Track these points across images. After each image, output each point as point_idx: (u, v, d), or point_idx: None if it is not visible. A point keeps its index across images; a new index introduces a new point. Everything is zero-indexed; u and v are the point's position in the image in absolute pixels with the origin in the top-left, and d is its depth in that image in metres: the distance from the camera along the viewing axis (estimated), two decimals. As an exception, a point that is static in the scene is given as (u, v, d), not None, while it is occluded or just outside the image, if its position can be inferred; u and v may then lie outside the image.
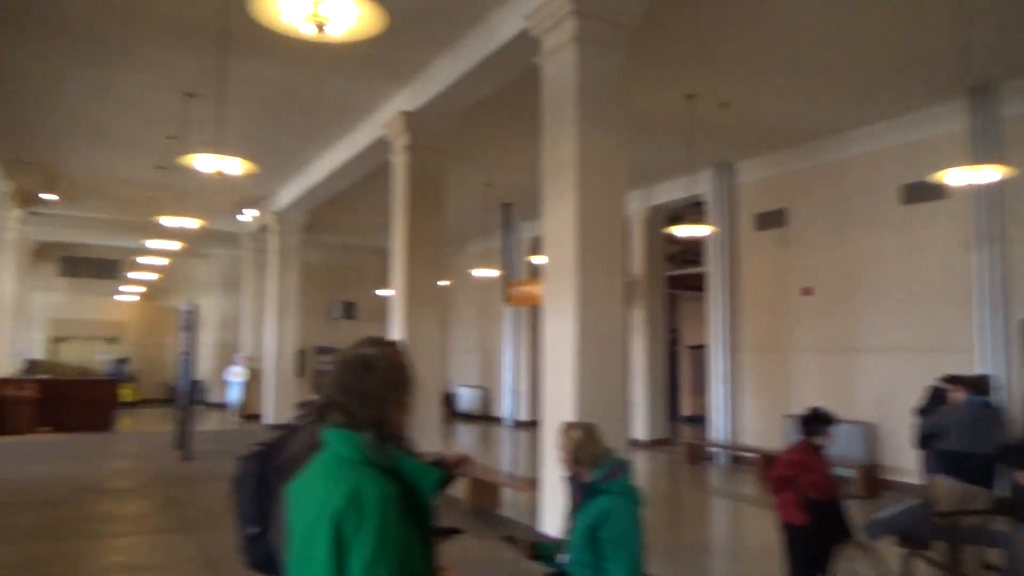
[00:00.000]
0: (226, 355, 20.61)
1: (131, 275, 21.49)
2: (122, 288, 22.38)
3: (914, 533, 5.11)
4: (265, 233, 17.15)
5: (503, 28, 6.87)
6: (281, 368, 16.34)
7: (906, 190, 9.77)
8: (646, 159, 11.28)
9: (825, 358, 10.76)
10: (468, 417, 19.58)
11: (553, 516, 6.17)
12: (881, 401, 9.93)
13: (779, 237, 11.49)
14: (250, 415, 18.07)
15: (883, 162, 10.08)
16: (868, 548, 5.06)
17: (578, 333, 5.91)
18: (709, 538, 8.04)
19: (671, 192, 13.30)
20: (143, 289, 22.43)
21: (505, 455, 13.97)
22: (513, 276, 16.47)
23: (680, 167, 11.84)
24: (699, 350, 20.19)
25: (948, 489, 5.58)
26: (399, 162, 9.39)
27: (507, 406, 18.24)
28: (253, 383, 18.36)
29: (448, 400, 20.22)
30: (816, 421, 4.64)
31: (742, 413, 12.03)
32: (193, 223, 10.84)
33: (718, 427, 12.23)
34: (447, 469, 2.04)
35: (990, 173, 7.22)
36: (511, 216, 15.84)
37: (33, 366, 19.58)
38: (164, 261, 19.90)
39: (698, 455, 12.42)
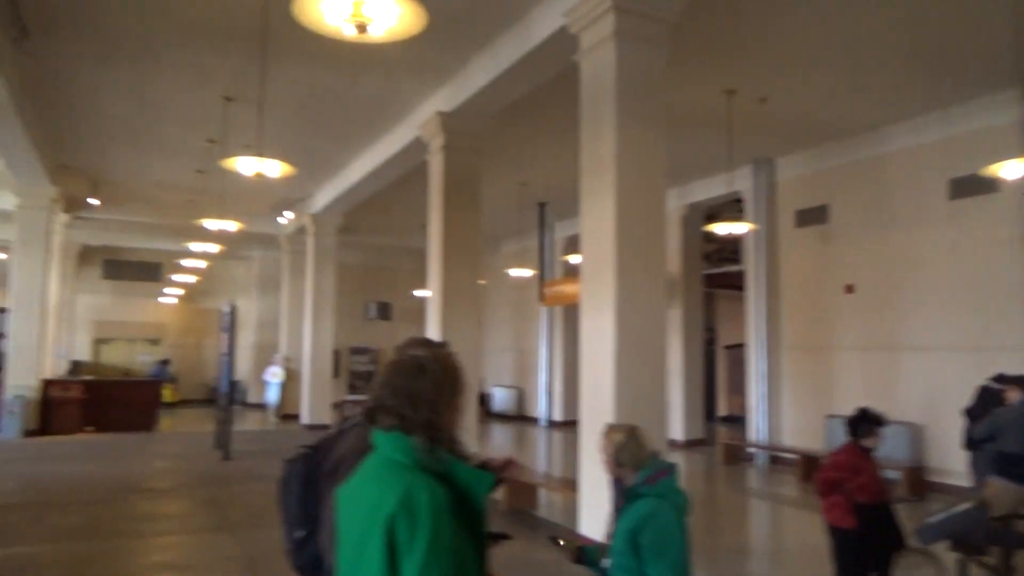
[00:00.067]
0: (264, 356, 20.86)
1: (172, 277, 21.89)
2: (163, 290, 22.80)
3: (969, 538, 4.94)
4: (302, 235, 17.33)
5: (540, 26, 6.82)
6: (317, 369, 16.49)
7: (954, 184, 9.50)
8: (682, 156, 11.14)
9: (868, 357, 10.52)
10: (503, 417, 19.57)
11: (593, 518, 6.11)
12: (927, 401, 9.68)
13: (820, 234, 11.26)
14: (287, 415, 18.27)
15: (928, 156, 9.81)
16: (929, 555, 4.89)
17: (617, 333, 5.84)
18: (749, 541, 7.89)
19: (708, 189, 13.12)
20: (183, 291, 22.82)
21: (541, 455, 13.92)
22: (548, 275, 16.41)
23: (717, 164, 11.67)
24: (736, 349, 19.95)
25: (1003, 491, 5.40)
26: (435, 162, 9.40)
27: (542, 406, 18.19)
28: (290, 383, 18.56)
29: (483, 400, 20.25)
30: (865, 422, 4.52)
31: (781, 413, 11.82)
32: (232, 225, 10.98)
33: (757, 427, 12.03)
34: (494, 473, 1.99)
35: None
36: (546, 215, 15.77)
37: (77, 367, 20.03)
38: (203, 264, 20.23)
39: (736, 456, 12.24)
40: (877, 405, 4.95)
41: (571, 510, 7.23)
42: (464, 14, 7.07)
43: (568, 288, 14.44)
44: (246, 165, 7.31)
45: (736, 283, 17.00)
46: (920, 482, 9.45)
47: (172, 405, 20.73)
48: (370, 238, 19.83)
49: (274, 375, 18.89)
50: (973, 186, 9.16)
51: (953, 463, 8.86)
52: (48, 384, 14.80)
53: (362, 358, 23.16)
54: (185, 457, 12.29)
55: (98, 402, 15.23)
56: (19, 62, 8.33)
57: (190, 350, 23.51)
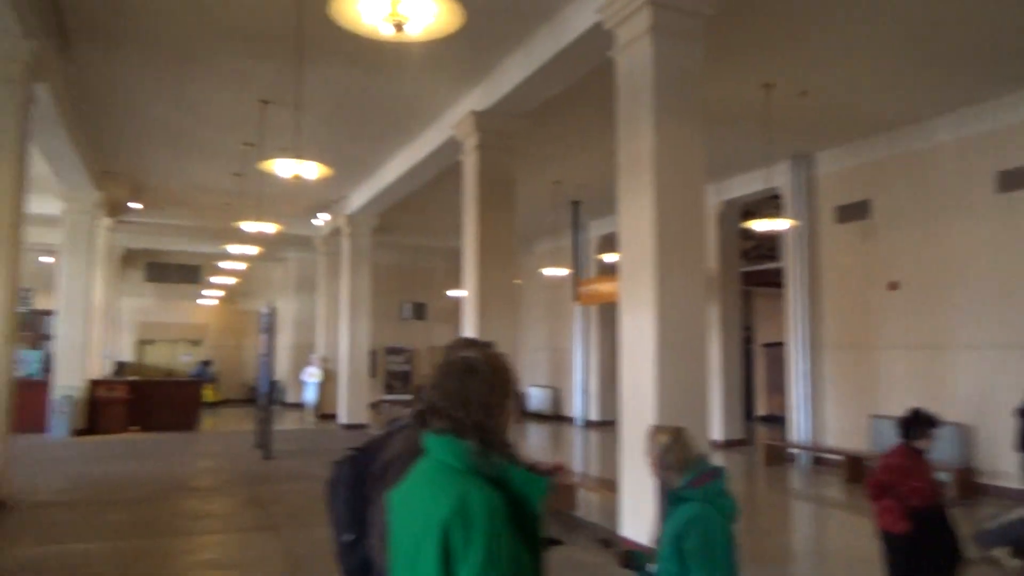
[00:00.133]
0: (301, 356, 21.12)
1: (212, 280, 22.27)
2: (204, 292, 23.22)
3: (1030, 543, 4.77)
4: (338, 236, 17.48)
5: (575, 23, 6.77)
6: (354, 369, 16.62)
7: (1002, 177, 9.22)
8: (719, 152, 10.98)
9: (913, 355, 10.26)
10: (538, 417, 19.53)
11: (635, 520, 6.05)
12: (976, 401, 9.41)
13: (862, 230, 11.02)
14: (325, 415, 18.46)
15: (975, 148, 9.54)
16: (995, 562, 4.70)
17: (657, 332, 5.76)
18: (793, 544, 7.74)
19: (745, 186, 12.93)
20: (222, 293, 23.21)
21: (577, 455, 13.86)
22: (582, 274, 16.34)
23: (755, 159, 11.50)
24: (774, 347, 19.64)
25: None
26: (469, 162, 9.41)
27: (577, 406, 18.11)
28: (327, 383, 18.76)
29: (519, 400, 20.23)
30: (918, 423, 4.39)
31: (824, 413, 11.60)
32: (270, 228, 11.11)
33: (798, 427, 11.82)
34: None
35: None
36: (579, 214, 15.70)
37: (122, 368, 20.48)
38: (242, 266, 20.53)
39: (777, 456, 12.04)
40: (924, 405, 4.81)
41: (610, 511, 7.17)
42: (498, 12, 7.05)
43: (603, 287, 14.34)
44: (284, 167, 7.38)
45: (774, 280, 16.74)
46: (970, 484, 9.20)
47: (213, 405, 21.09)
48: (405, 238, 19.94)
49: (311, 375, 19.10)
50: (1022, 178, 8.88)
51: (1004, 465, 8.61)
52: (95, 385, 15.15)
53: (398, 358, 23.31)
54: (227, 456, 12.48)
55: (142, 402, 15.55)
56: (63, 70, 8.53)
57: (230, 351, 23.90)
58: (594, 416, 17.72)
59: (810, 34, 7.46)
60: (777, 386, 19.78)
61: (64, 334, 14.26)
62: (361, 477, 2.09)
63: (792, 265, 11.99)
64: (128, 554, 6.35)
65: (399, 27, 3.85)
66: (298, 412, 19.78)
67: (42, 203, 13.14)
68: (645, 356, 5.87)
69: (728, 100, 9.03)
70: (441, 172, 11.84)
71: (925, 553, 4.25)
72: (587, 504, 8.28)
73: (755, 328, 19.95)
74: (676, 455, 3.02)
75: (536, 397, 20.18)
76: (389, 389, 22.61)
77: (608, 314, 17.82)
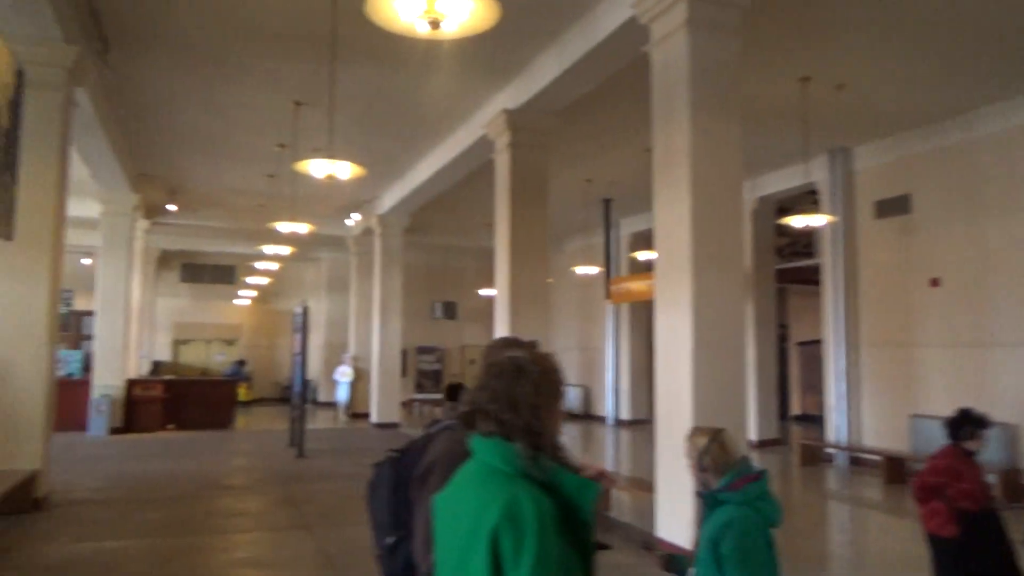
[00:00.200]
0: (333, 356, 21.28)
1: (246, 280, 22.54)
2: (238, 293, 23.51)
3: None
4: (369, 236, 17.57)
5: (608, 18, 6.70)
6: (386, 368, 16.69)
7: (1049, 170, 8.94)
8: (753, 147, 10.79)
9: (955, 353, 9.99)
10: (569, 416, 19.45)
11: (671, 522, 5.96)
12: (1022, 400, 9.14)
13: (902, 225, 10.76)
14: (357, 414, 18.58)
15: (1019, 141, 9.25)
16: None
17: (694, 331, 5.67)
18: (832, 546, 7.57)
19: (780, 182, 12.71)
20: (256, 293, 23.48)
21: (608, 455, 13.75)
22: (614, 273, 16.22)
23: (790, 155, 11.30)
24: (809, 346, 19.33)
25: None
26: (501, 161, 9.37)
27: (608, 405, 17.99)
28: (359, 382, 18.87)
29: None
30: (968, 423, 4.25)
31: (861, 412, 11.36)
32: (303, 228, 11.19)
33: (835, 427, 11.59)
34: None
35: None
36: (611, 212, 15.59)
37: (158, 367, 20.82)
38: (275, 266, 20.74)
39: (813, 456, 11.82)
40: (966, 404, 4.66)
41: (642, 511, 7.09)
42: (531, 9, 7.00)
43: (635, 285, 14.23)
44: (318, 167, 7.41)
45: (809, 277, 16.47)
46: (1016, 486, 8.94)
47: (247, 404, 21.34)
48: (435, 238, 19.99)
49: (344, 374, 19.23)
50: (1072, 171, 8.61)
51: (1053, 466, 8.35)
52: (132, 384, 15.41)
53: (428, 357, 23.39)
54: (261, 455, 12.59)
55: (178, 401, 15.79)
56: (102, 75, 8.66)
57: (263, 350, 24.18)
58: (625, 415, 17.59)
59: (847, 26, 7.29)
60: (812, 385, 19.48)
61: (103, 334, 14.53)
62: (402, 479, 2.06)
63: (829, 261, 11.76)
64: (163, 552, 6.41)
65: (435, 24, 3.81)
66: (330, 411, 19.92)
67: (81, 206, 13.40)
68: (681, 355, 5.78)
69: (763, 94, 8.87)
70: (472, 171, 11.83)
71: (975, 558, 4.11)
72: (620, 504, 8.19)
73: (789, 326, 19.65)
74: (714, 457, 2.94)
75: (567, 396, 20.09)
76: (419, 388, 22.71)
77: (639, 312, 17.70)
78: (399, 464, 2.09)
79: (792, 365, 20.02)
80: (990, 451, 8.91)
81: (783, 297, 17.84)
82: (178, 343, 23.49)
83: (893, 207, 10.89)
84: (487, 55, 8.09)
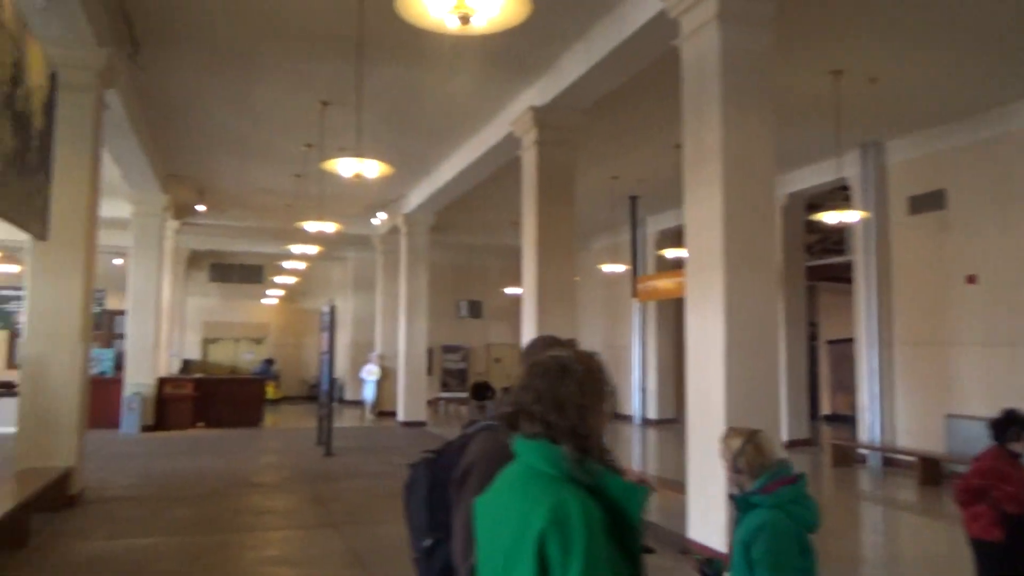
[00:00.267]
0: (359, 354, 21.37)
1: (274, 279, 22.73)
2: (266, 292, 23.72)
3: None
4: (395, 235, 17.63)
5: (637, 12, 6.61)
6: (412, 367, 16.73)
7: (1092, 163, 8.69)
8: (783, 143, 10.52)
9: (992, 352, 9.75)
10: (596, 415, 19.33)
11: (702, 523, 5.88)
12: (1064, 400, 8.90)
13: (937, 221, 10.53)
14: (383, 412, 18.65)
15: (1061, 133, 9.02)
16: None
17: (726, 330, 5.58)
18: (866, 549, 7.42)
19: (810, 178, 12.50)
20: (283, 292, 23.66)
21: (636, 455, 13.65)
22: (640, 271, 16.11)
23: (820, 150, 11.10)
24: (839, 344, 19.04)
25: None
26: (528, 158, 9.32)
27: (635, 404, 17.87)
28: (385, 381, 18.94)
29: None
30: (1013, 424, 4.12)
31: (895, 412, 11.14)
32: (331, 227, 11.25)
33: (868, 427, 11.38)
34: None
35: None
36: (637, 209, 15.47)
37: (188, 366, 21.07)
38: (303, 265, 20.89)
39: (845, 457, 11.63)
40: (1003, 404, 4.52)
41: (670, 511, 7.00)
42: (559, 5, 6.94)
43: (662, 283, 14.11)
44: (346, 166, 7.43)
45: (839, 275, 16.23)
46: (1058, 488, 8.69)
47: (274, 402, 21.52)
48: (460, 236, 20.00)
49: (370, 373, 19.31)
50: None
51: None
52: (163, 382, 15.60)
53: (454, 356, 23.43)
54: (289, 453, 12.67)
55: (208, 399, 15.95)
56: (132, 76, 8.75)
57: (290, 349, 24.37)
58: (652, 414, 17.46)
59: (881, 17, 7.13)
60: (842, 384, 19.20)
61: (134, 333, 14.73)
62: (438, 480, 2.03)
63: (862, 258, 11.55)
64: (194, 550, 6.46)
65: (465, 20, 3.78)
66: (357, 409, 20.02)
67: (113, 207, 13.58)
68: (713, 354, 5.70)
69: (794, 88, 8.72)
70: (497, 170, 11.80)
71: (1021, 562, 3.99)
72: (651, 506, 8.11)
73: (819, 324, 19.38)
74: (749, 459, 2.87)
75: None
76: (445, 387, 22.75)
77: (666, 311, 17.56)
78: (435, 465, 2.05)
79: (822, 364, 19.74)
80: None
81: (812, 295, 17.59)
82: (207, 342, 23.76)
83: (927, 203, 10.66)
84: (514, 52, 8.04)
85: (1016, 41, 7.59)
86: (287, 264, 20.88)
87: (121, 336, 17.17)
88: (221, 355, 23.87)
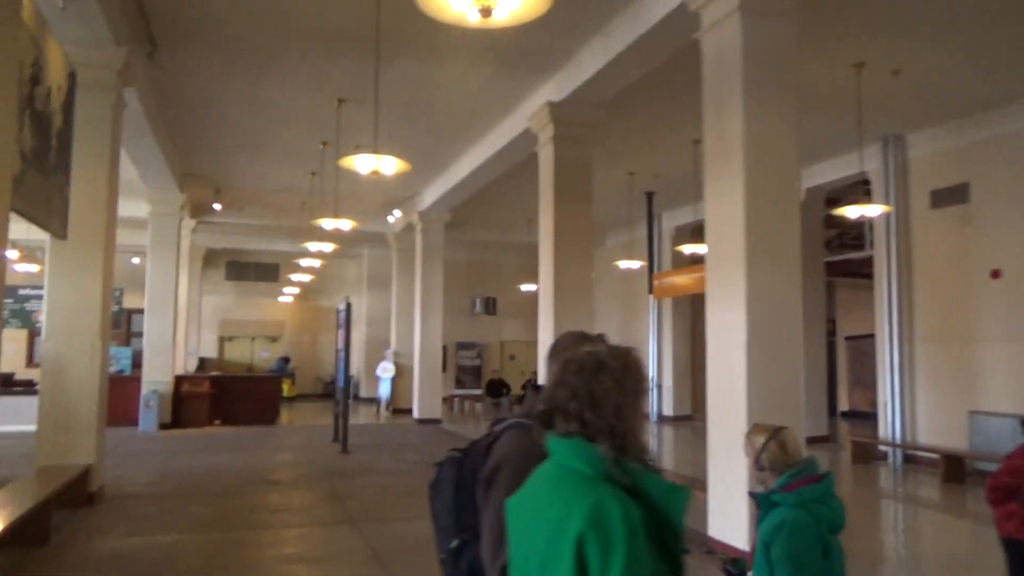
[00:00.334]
0: (374, 352, 21.41)
1: (289, 277, 22.81)
2: (281, 290, 23.80)
3: None
4: (410, 232, 17.62)
5: (657, 5, 6.52)
6: (428, 364, 16.72)
7: (1120, 155, 8.52)
8: (803, 136, 10.48)
9: (1017, 348, 9.60)
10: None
11: (722, 522, 5.81)
12: (1091, 397, 8.75)
13: (960, 215, 10.37)
14: (398, 409, 18.67)
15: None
16: None
17: (748, 326, 5.51)
18: (887, 548, 7.32)
19: (829, 172, 12.35)
20: (298, 290, 23.74)
21: (652, 452, 13.56)
22: (656, 267, 16.02)
23: (840, 144, 10.97)
24: (858, 340, 18.86)
25: None
26: (545, 154, 9.27)
27: (652, 400, 17.78)
28: (400, 378, 18.95)
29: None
30: (1045, 422, 4.02)
31: (916, 408, 11.00)
32: (347, 224, 11.24)
33: (889, 424, 11.25)
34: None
35: None
36: (653, 205, 15.37)
37: (204, 364, 21.18)
38: (318, 263, 20.95)
39: (865, 454, 11.50)
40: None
41: (693, 511, 6.92)
42: (576, -1, 6.88)
43: (678, 279, 14.01)
44: (364, 163, 7.41)
45: (858, 270, 16.05)
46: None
47: (289, 399, 21.60)
48: (475, 233, 19.96)
49: (385, 370, 19.34)
50: None
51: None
52: (180, 380, 15.68)
53: (468, 353, 23.42)
54: (305, 450, 12.70)
55: (224, 397, 16.03)
56: (150, 75, 8.77)
57: (305, 347, 24.45)
58: (668, 411, 17.37)
59: (904, 8, 7.01)
60: (860, 380, 19.02)
61: (152, 331, 14.81)
62: (464, 480, 1.98)
63: (883, 253, 11.40)
64: (212, 547, 6.46)
65: (486, 13, 3.73)
66: (372, 407, 20.05)
67: (130, 206, 13.64)
68: (734, 350, 5.62)
69: (814, 81, 8.61)
70: (512, 167, 11.75)
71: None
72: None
73: (837, 320, 19.20)
74: (772, 456, 2.80)
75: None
76: (459, 384, 22.75)
77: (682, 307, 17.45)
78: (462, 464, 2.01)
79: (840, 360, 19.56)
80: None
81: (830, 291, 17.41)
82: (223, 340, 23.89)
83: (950, 196, 10.51)
84: (531, 47, 7.98)
85: (1043, 31, 7.45)
86: (304, 262, 20.94)
87: (139, 334, 17.28)
88: (237, 353, 23.99)
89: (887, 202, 10.98)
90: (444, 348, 18.91)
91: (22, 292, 15.30)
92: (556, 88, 8.73)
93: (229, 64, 8.74)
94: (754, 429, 2.98)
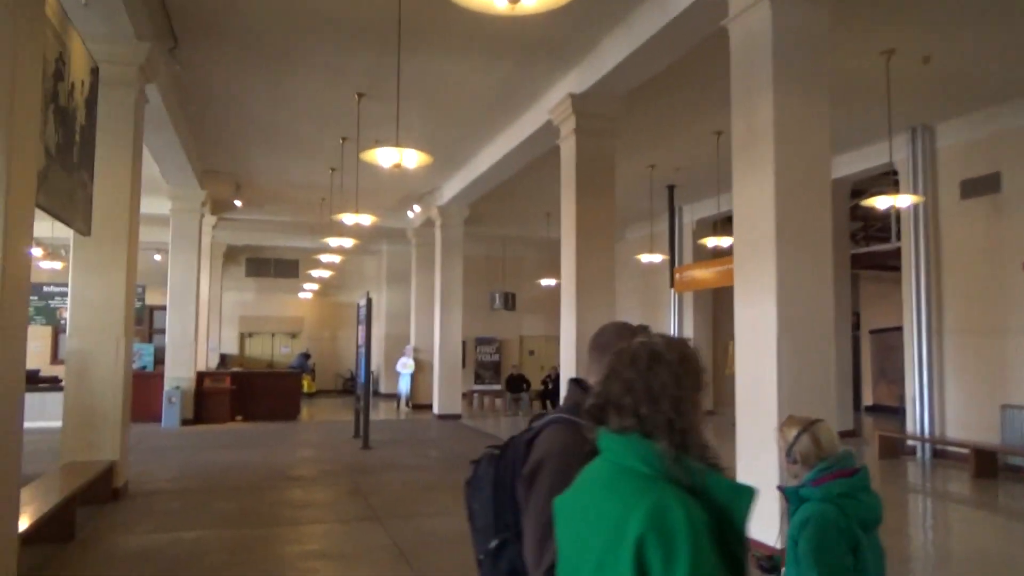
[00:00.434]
0: (394, 347, 21.43)
1: (309, 273, 22.89)
2: (301, 286, 23.89)
3: None
4: (429, 228, 17.60)
5: (682, -7, 6.42)
6: (447, 359, 16.70)
7: None
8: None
9: (1050, 341, 9.40)
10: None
11: (756, 518, 5.69)
12: None
13: (992, 205, 10.15)
14: (418, 405, 18.67)
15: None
16: None
17: (779, 319, 5.39)
18: (916, 545, 7.17)
19: (855, 163, 12.13)
20: (317, 287, 23.82)
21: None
22: (677, 261, 15.87)
23: (866, 134, 10.77)
24: (883, 334, 18.59)
25: None
26: (567, 147, 9.18)
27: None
28: (420, 374, 18.95)
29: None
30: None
31: (945, 402, 10.80)
32: (367, 219, 11.22)
33: (917, 418, 11.06)
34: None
35: None
36: (676, 198, 15.22)
37: (225, 360, 21.29)
38: (338, 259, 20.99)
39: (892, 449, 11.32)
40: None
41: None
42: (599, -12, 6.77)
43: (700, 273, 13.87)
44: (386, 156, 7.35)
45: (882, 263, 15.82)
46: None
47: (310, 395, 21.67)
48: (494, 228, 19.90)
49: (405, 366, 19.35)
50: None
51: None
52: (202, 376, 15.76)
53: (488, 348, 23.39)
54: (326, 446, 12.71)
55: (246, 393, 16.10)
56: (171, 71, 8.77)
57: (324, 343, 24.53)
58: (690, 406, 17.20)
59: (937, -8, 6.85)
60: (885, 374, 18.76)
61: (174, 328, 14.89)
62: (503, 478, 1.90)
63: (911, 245, 11.19)
64: (236, 543, 6.45)
65: (514, 0, 3.64)
66: (392, 402, 20.08)
67: (152, 203, 13.70)
68: (765, 344, 5.51)
69: (842, 70, 8.43)
70: (531, 161, 11.66)
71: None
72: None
73: (860, 313, 18.95)
74: (803, 449, 2.72)
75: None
76: (479, 379, 22.72)
77: (702, 301, 17.28)
78: (500, 462, 1.93)
79: (864, 354, 19.30)
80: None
81: (854, 283, 17.19)
82: (244, 336, 24.02)
83: (981, 186, 10.29)
84: (553, 38, 7.89)
85: (1079, 15, 7.24)
86: (324, 258, 21.00)
87: (161, 331, 17.40)
88: (258, 349, 24.12)
89: (915, 192, 10.77)
90: (463, 343, 18.88)
91: (46, 289, 15.45)
92: (578, 80, 8.63)
93: (249, 59, 8.72)
94: (788, 421, 2.90)
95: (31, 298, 11.69)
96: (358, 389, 13.84)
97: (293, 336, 24.55)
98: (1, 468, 3.97)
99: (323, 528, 7.20)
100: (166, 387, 14.70)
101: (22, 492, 4.95)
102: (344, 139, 11.33)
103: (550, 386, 18.16)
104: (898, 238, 12.07)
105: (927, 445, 10.92)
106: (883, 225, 14.23)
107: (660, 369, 1.33)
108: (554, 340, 20.08)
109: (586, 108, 8.72)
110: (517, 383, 19.55)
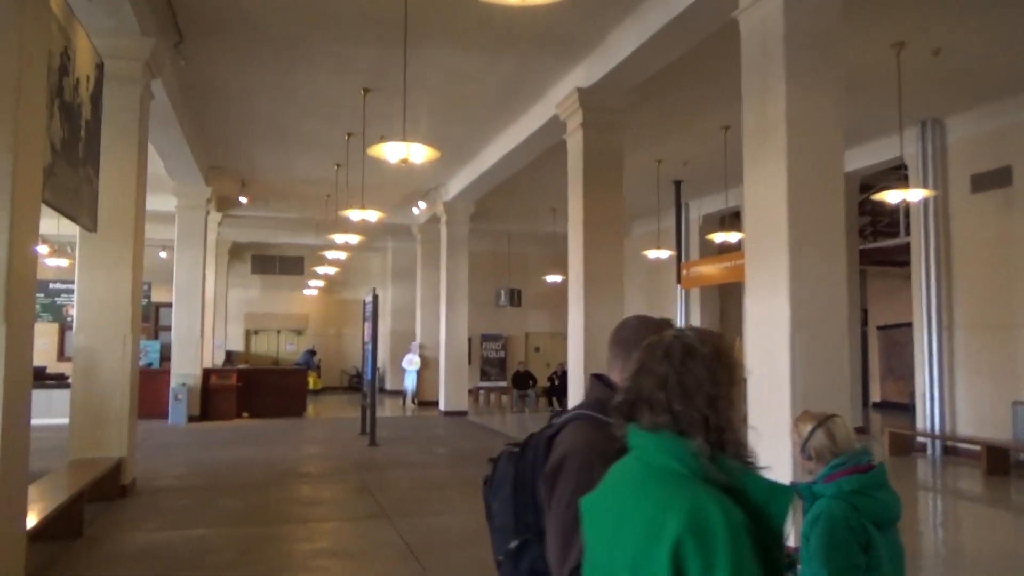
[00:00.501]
0: (400, 344, 21.40)
1: (315, 270, 22.86)
2: (307, 283, 23.88)
3: None
4: (435, 224, 17.55)
5: (692, -16, 6.35)
6: (453, 356, 16.66)
7: None
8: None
9: (1063, 336, 9.32)
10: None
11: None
12: None
13: (1003, 199, 10.06)
14: (424, 402, 18.64)
15: None
16: None
17: (792, 314, 5.32)
18: (932, 542, 7.11)
19: (864, 157, 12.02)
20: (323, 284, 23.80)
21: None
22: (684, 256, 15.80)
23: (875, 128, 10.67)
24: (891, 330, 18.49)
25: None
26: (574, 142, 9.11)
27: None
28: (425, 371, 18.92)
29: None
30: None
31: (956, 399, 10.72)
32: (373, 215, 11.18)
33: (927, 415, 10.98)
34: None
35: None
36: (682, 194, 15.15)
37: (231, 357, 21.29)
38: (343, 255, 20.97)
39: (903, 446, 11.25)
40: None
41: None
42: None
43: (707, 269, 13.81)
44: (393, 151, 7.30)
45: (890, 258, 15.72)
46: None
47: (316, 392, 21.66)
48: (500, 224, 19.83)
49: (411, 362, 19.32)
50: None
51: None
52: (208, 373, 15.75)
53: (493, 345, 23.34)
54: (333, 443, 12.69)
55: (252, 390, 16.09)
56: (176, 66, 8.73)
57: (330, 339, 24.52)
58: (697, 403, 17.14)
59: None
60: (893, 370, 18.66)
61: (180, 325, 14.88)
62: (523, 477, 1.85)
63: (920, 240, 11.10)
64: (245, 541, 6.42)
65: (524, -11, 3.60)
66: (397, 399, 20.06)
67: (157, 200, 13.68)
68: (778, 340, 5.44)
69: (851, 63, 8.33)
70: (537, 157, 11.59)
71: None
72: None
73: (868, 309, 18.85)
74: (816, 445, 2.67)
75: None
76: (484, 376, 22.68)
77: (709, 297, 17.20)
78: (520, 459, 1.88)
79: (872, 350, 19.20)
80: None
81: (861, 279, 17.11)
82: (250, 333, 24.02)
83: (992, 180, 10.19)
84: (560, 32, 7.82)
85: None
86: (329, 254, 20.97)
87: (167, 328, 17.39)
88: (263, 346, 24.13)
89: (925, 187, 10.68)
90: (469, 340, 18.84)
91: (53, 286, 15.45)
92: (585, 74, 8.56)
93: (254, 54, 8.67)
94: (803, 416, 2.86)
95: (37, 295, 11.66)
96: (364, 386, 13.80)
97: (299, 333, 24.54)
98: (8, 465, 3.94)
99: (331, 526, 7.17)
100: (172, 384, 14.68)
101: (30, 489, 4.92)
102: (350, 135, 11.28)
103: (556, 383, 18.12)
104: (906, 233, 11.97)
105: (938, 442, 10.84)
106: (891, 220, 14.13)
107: (694, 364, 1.28)
108: (560, 336, 20.03)
109: (593, 102, 8.65)
110: (523, 380, 19.50)
